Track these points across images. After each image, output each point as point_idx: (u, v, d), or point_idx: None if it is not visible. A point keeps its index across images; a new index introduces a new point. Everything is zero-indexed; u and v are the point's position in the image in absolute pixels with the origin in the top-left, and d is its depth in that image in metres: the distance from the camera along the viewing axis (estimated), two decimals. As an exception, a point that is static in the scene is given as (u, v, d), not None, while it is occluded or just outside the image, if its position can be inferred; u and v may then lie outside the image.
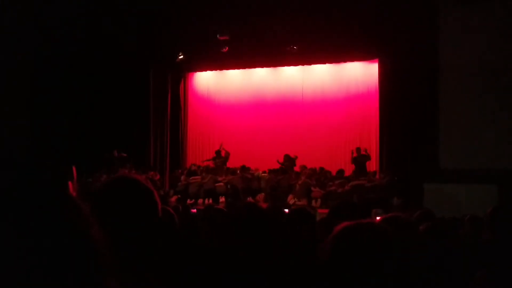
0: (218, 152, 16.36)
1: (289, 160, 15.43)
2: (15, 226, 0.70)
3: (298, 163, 15.46)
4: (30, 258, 0.68)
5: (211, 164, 16.44)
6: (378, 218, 2.74)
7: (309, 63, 17.30)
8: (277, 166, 15.35)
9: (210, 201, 14.21)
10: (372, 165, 15.58)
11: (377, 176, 14.49)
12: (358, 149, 15.07)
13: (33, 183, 0.77)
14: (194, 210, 8.15)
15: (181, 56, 16.46)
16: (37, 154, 13.90)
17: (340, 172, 14.90)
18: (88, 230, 0.76)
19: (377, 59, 15.84)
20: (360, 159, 14.91)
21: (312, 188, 13.87)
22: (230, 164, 16.31)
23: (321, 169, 15.18)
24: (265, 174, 15.09)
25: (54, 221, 0.72)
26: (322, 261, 1.51)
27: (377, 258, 1.46)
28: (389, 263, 1.47)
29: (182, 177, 15.44)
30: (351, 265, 1.46)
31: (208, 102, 19.05)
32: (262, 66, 18.00)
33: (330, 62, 17.14)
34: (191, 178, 15.21)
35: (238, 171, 15.13)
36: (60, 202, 0.76)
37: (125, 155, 15.98)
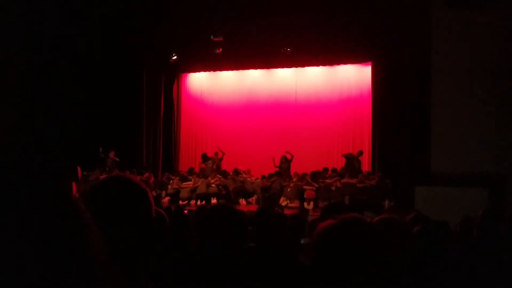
0: (213, 155, 16.26)
1: (286, 162, 15.41)
2: (14, 227, 0.69)
3: (293, 164, 15.43)
4: (27, 261, 0.68)
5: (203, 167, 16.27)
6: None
7: (303, 65, 17.33)
8: (270, 170, 15.28)
9: (203, 202, 14.14)
10: (365, 167, 15.62)
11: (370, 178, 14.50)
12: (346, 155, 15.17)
13: (35, 183, 0.76)
14: (186, 212, 8.11)
15: (175, 57, 16.43)
16: (29, 154, 13.79)
17: (334, 170, 14.89)
18: (88, 234, 0.75)
19: (370, 62, 15.92)
20: (350, 158, 14.92)
21: (305, 187, 13.83)
22: (222, 165, 16.20)
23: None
24: (258, 181, 14.98)
25: (54, 224, 0.72)
26: (309, 260, 1.50)
27: (364, 254, 1.45)
28: (376, 257, 1.46)
29: (175, 180, 15.30)
30: (337, 262, 1.45)
31: (201, 103, 19.03)
32: (255, 68, 18.01)
33: (324, 64, 17.17)
34: (183, 184, 15.05)
35: (230, 174, 15.04)
36: (61, 205, 0.75)
37: (117, 159, 15.82)
